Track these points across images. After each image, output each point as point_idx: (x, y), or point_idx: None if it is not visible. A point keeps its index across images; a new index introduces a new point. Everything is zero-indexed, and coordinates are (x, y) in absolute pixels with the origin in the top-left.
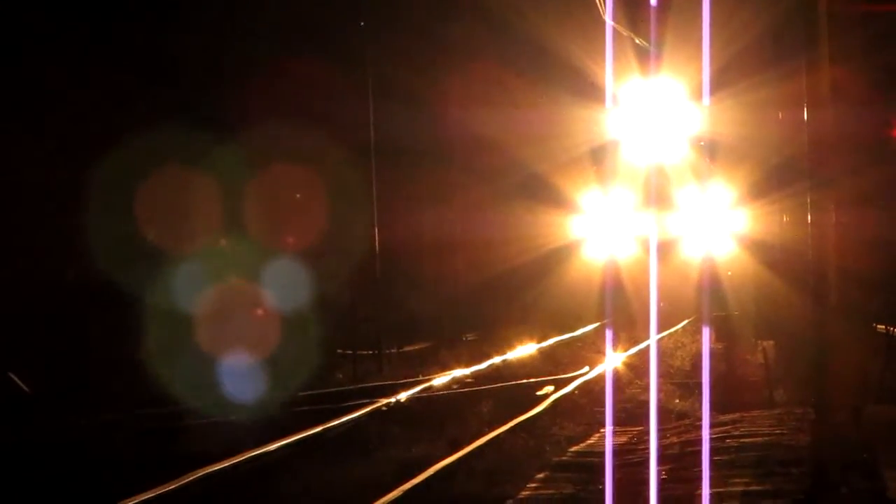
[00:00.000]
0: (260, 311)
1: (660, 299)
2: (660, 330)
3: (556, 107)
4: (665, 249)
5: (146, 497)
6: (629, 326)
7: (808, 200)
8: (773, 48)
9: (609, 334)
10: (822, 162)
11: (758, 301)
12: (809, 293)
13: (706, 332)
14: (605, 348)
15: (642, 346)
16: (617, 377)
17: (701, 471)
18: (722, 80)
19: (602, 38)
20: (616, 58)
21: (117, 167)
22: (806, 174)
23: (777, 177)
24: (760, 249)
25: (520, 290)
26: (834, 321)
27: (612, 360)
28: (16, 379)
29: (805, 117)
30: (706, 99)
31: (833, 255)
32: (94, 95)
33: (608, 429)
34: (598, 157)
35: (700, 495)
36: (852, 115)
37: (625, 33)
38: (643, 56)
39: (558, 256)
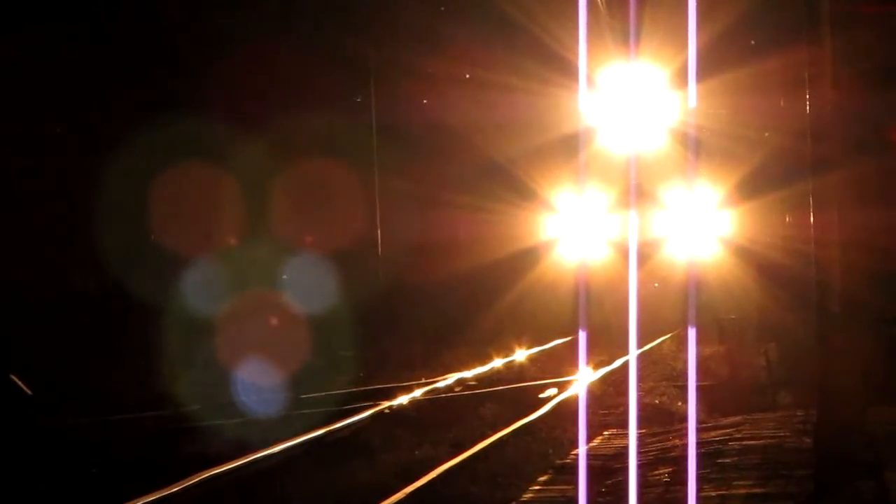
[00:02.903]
0: (264, 313)
1: (640, 307)
2: (643, 342)
3: (525, 91)
4: (647, 252)
5: (149, 499)
6: (606, 336)
7: (811, 197)
8: (767, 24)
9: (582, 347)
10: (825, 148)
11: (759, 303)
12: (812, 294)
13: (692, 335)
14: (609, 353)
15: (640, 350)
16: (618, 381)
17: (704, 473)
18: (711, 61)
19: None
20: (593, 41)
21: (120, 167)
22: (807, 164)
23: (778, 173)
24: (760, 250)
25: (487, 298)
26: (837, 322)
27: (586, 376)
28: (17, 381)
29: (807, 100)
30: (692, 99)
31: (837, 253)
32: (95, 92)
33: (581, 449)
34: (570, 147)
35: (703, 497)
36: (857, 99)
37: (602, 9)
38: (621, 39)
39: (526, 260)
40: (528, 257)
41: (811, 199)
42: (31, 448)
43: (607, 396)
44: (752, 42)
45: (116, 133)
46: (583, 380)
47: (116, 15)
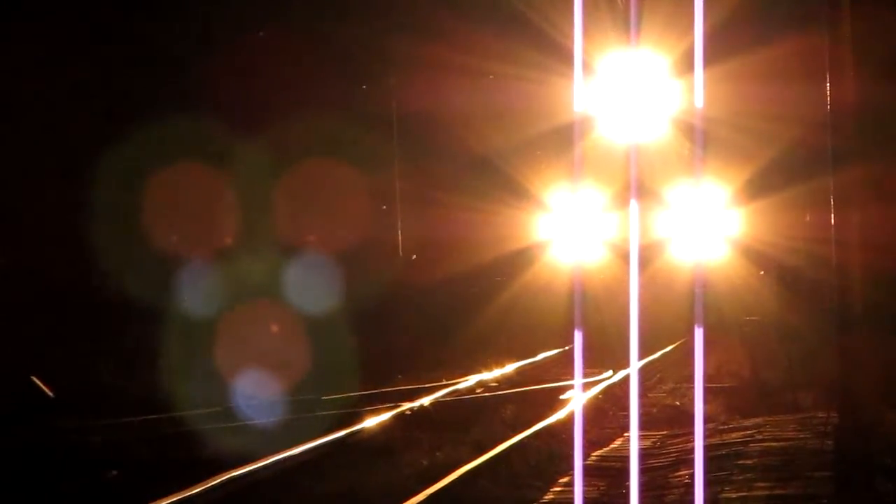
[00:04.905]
0: (277, 315)
1: (644, 312)
2: (650, 349)
3: (516, 79)
4: (649, 255)
5: (170, 500)
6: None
7: (831, 194)
8: (781, 6)
9: (578, 349)
10: (846, 142)
11: (773, 306)
12: (831, 297)
13: (699, 335)
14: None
15: (658, 354)
16: (639, 382)
17: (725, 474)
18: (720, 46)
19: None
20: (591, 24)
21: (138, 169)
22: (826, 159)
23: (793, 169)
24: (773, 252)
25: (494, 301)
26: (857, 325)
27: (581, 394)
28: (39, 382)
29: (827, 90)
30: (699, 98)
31: (857, 254)
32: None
33: (577, 464)
34: (564, 141)
35: (724, 499)
36: (880, 90)
37: None
38: (622, 22)
39: (519, 263)
40: (521, 259)
41: (831, 196)
42: (53, 449)
43: (628, 397)
44: (765, 26)
45: (131, 135)
46: (578, 387)
47: (116, 10)
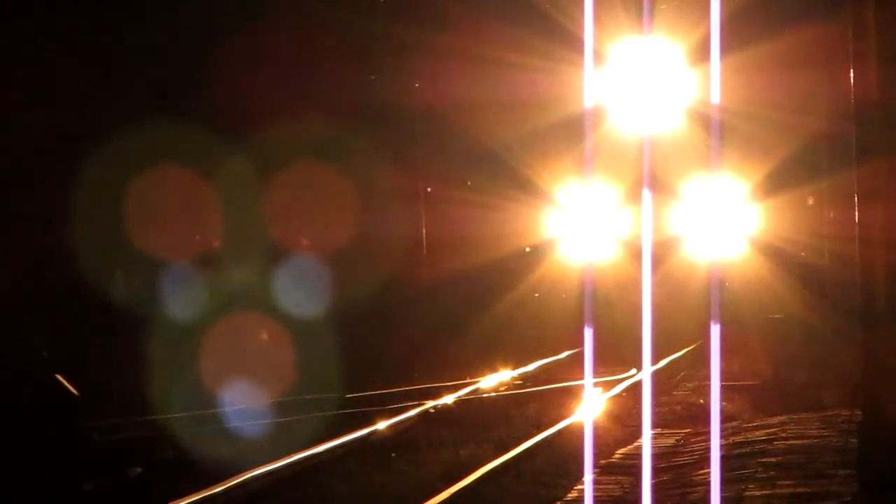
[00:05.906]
0: (296, 316)
1: (660, 312)
2: (669, 349)
3: (523, 67)
4: (663, 253)
5: (192, 499)
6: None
7: (855, 190)
8: None
9: (589, 347)
10: (871, 134)
11: (795, 306)
12: (856, 295)
13: (716, 333)
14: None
15: (681, 353)
16: (662, 380)
17: (749, 472)
18: (738, 33)
19: None
20: (602, 10)
21: (153, 172)
22: (851, 152)
23: (815, 163)
24: (794, 250)
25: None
26: (882, 324)
27: (592, 402)
28: (63, 381)
29: (851, 79)
30: (715, 96)
31: (882, 252)
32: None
33: (587, 464)
34: (575, 134)
35: (747, 497)
36: None
37: None
38: (634, 11)
39: (532, 261)
40: (540, 257)
41: (855, 192)
42: (78, 447)
43: (651, 396)
44: (785, 13)
45: (144, 135)
46: (589, 387)
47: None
